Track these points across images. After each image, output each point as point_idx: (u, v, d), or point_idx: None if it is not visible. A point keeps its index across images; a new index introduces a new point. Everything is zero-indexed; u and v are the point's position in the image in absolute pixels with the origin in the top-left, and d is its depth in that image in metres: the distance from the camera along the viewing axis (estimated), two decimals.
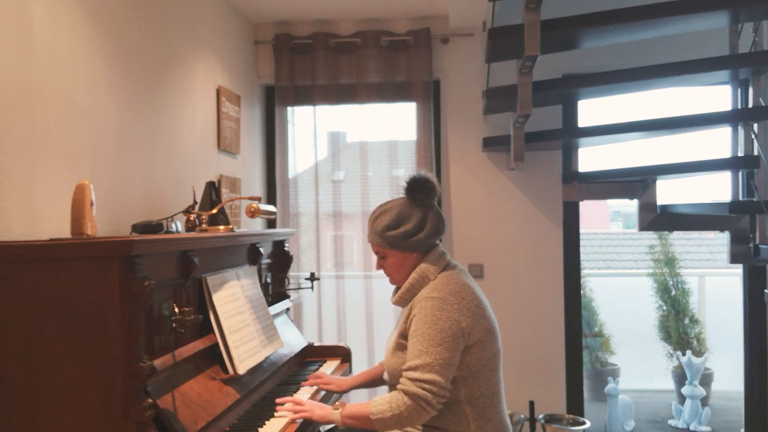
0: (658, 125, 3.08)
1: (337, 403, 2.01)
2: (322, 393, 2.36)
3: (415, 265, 2.03)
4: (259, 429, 1.90)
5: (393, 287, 2.16)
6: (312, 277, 3.06)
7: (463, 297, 1.93)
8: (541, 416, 3.48)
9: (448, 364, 1.85)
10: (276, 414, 2.02)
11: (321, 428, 2.36)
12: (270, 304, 2.62)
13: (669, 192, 3.72)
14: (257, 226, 3.68)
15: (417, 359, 1.85)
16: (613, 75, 2.97)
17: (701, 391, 4.67)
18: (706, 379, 5.08)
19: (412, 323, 1.93)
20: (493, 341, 1.98)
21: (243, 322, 2.15)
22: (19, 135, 1.73)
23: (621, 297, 6.91)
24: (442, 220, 2.07)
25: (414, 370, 1.85)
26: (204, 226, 2.25)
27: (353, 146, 3.92)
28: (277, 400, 2.08)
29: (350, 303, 3.75)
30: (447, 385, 1.85)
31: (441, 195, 3.55)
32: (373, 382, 2.37)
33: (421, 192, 2.02)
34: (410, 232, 2.00)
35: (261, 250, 2.51)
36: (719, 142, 3.64)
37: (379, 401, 1.88)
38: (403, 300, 2.04)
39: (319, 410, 2.00)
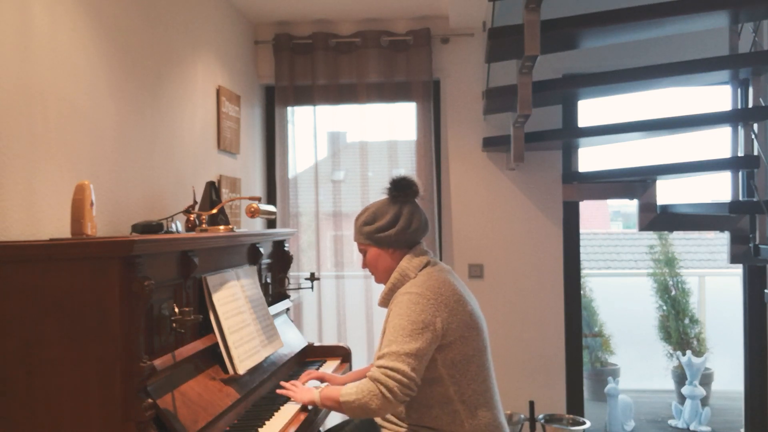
0: (658, 125, 3.08)
1: (320, 385, 2.12)
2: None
3: (393, 264, 2.08)
4: (259, 429, 1.90)
5: None
6: (312, 277, 3.06)
7: (441, 293, 1.95)
8: (541, 416, 3.49)
9: (416, 355, 1.85)
10: (278, 391, 2.16)
11: (321, 428, 2.36)
12: (270, 304, 2.62)
13: (669, 192, 3.72)
14: (257, 226, 3.68)
15: (386, 348, 1.88)
16: (613, 75, 2.97)
17: (701, 391, 4.67)
18: (706, 379, 5.08)
19: (389, 317, 1.96)
20: (477, 337, 1.98)
21: (243, 322, 2.15)
22: (19, 135, 1.73)
23: (621, 297, 6.91)
24: (419, 218, 2.10)
25: (382, 358, 1.87)
26: (204, 226, 2.25)
27: (353, 146, 3.92)
28: (280, 383, 2.22)
29: (350, 303, 3.75)
30: (413, 377, 1.85)
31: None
32: None
33: (397, 189, 2.09)
34: (383, 227, 2.07)
35: (261, 250, 2.51)
36: (719, 142, 3.64)
37: (350, 386, 1.92)
38: (386, 300, 2.08)
39: (302, 393, 2.11)
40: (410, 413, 1.97)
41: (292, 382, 2.21)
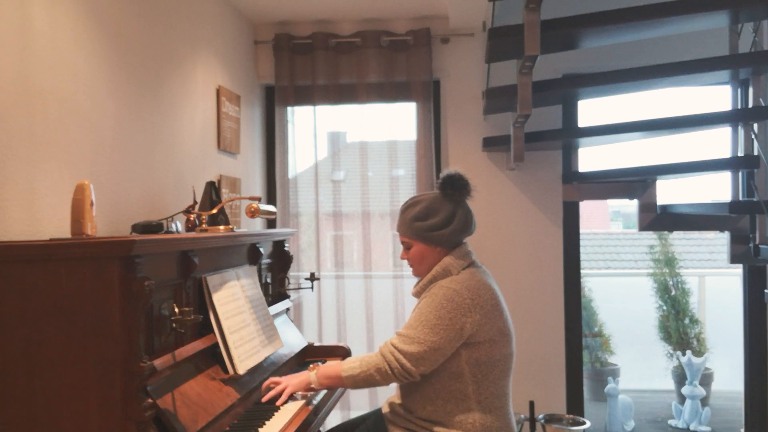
0: (658, 125, 3.08)
1: (311, 365, 2.08)
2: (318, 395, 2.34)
3: (437, 260, 2.06)
4: (259, 429, 1.90)
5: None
6: (312, 277, 3.06)
7: (480, 295, 1.95)
8: (541, 416, 3.48)
9: (430, 348, 1.88)
10: (264, 400, 2.08)
11: (321, 429, 2.36)
12: (270, 304, 2.62)
13: (669, 192, 3.72)
14: (257, 226, 3.68)
15: (404, 329, 1.93)
16: (613, 75, 2.97)
17: (701, 391, 4.67)
18: (706, 379, 5.08)
19: (419, 303, 1.98)
20: (507, 344, 2.00)
21: (243, 322, 2.15)
22: (19, 135, 1.73)
23: (621, 297, 6.91)
24: (471, 219, 2.10)
25: (397, 337, 1.93)
26: (204, 226, 2.25)
27: (353, 146, 3.92)
28: (262, 392, 2.11)
29: (350, 303, 3.75)
30: (418, 364, 1.89)
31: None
32: None
33: (452, 188, 2.06)
34: (437, 225, 2.03)
35: (261, 250, 2.51)
36: (719, 142, 3.64)
37: (352, 359, 1.97)
38: (422, 290, 2.07)
39: (295, 380, 2.08)
40: (425, 405, 1.97)
41: (272, 379, 2.11)
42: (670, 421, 4.80)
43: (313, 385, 2.04)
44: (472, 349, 1.92)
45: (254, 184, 3.72)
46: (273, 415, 2.01)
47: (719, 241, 9.20)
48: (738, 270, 3.93)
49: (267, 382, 2.11)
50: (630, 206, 9.77)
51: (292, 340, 2.70)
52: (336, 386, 2.03)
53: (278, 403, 2.05)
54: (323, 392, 2.34)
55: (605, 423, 4.62)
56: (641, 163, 3.26)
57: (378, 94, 3.72)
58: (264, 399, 2.08)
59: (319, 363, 2.67)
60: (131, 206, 2.30)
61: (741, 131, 3.19)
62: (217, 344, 1.99)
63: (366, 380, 1.94)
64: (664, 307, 5.78)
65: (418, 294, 2.09)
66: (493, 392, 1.95)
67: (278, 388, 2.07)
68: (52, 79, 1.87)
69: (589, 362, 5.66)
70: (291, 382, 2.07)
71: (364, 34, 3.67)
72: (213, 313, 2.00)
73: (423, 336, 1.88)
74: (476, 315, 1.91)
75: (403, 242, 2.13)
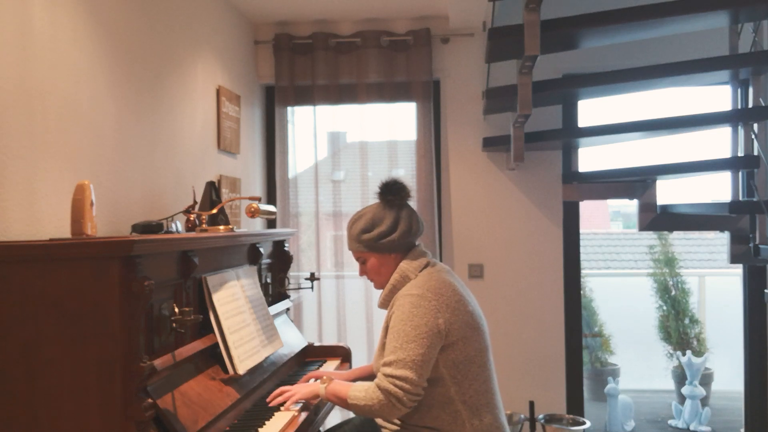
0: (658, 125, 3.08)
1: (324, 377, 2.08)
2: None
3: (394, 267, 2.07)
4: (259, 429, 1.90)
5: None
6: (312, 277, 3.06)
7: (442, 294, 1.95)
8: (541, 416, 3.48)
9: (422, 361, 1.86)
10: (270, 404, 2.08)
11: (321, 429, 2.36)
12: (270, 304, 2.62)
13: (669, 192, 3.72)
14: (257, 226, 3.68)
15: (392, 355, 1.88)
16: (613, 75, 2.98)
17: (701, 391, 4.67)
18: (706, 379, 5.08)
19: (391, 320, 1.96)
20: (478, 337, 1.98)
21: (243, 322, 2.15)
22: (19, 135, 1.73)
23: (621, 297, 6.91)
24: (417, 219, 2.11)
25: (388, 366, 1.88)
26: (204, 226, 2.25)
27: (353, 146, 3.92)
28: (268, 400, 2.12)
29: (350, 303, 3.75)
30: (421, 382, 1.87)
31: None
32: (368, 378, 2.38)
33: (391, 194, 2.08)
34: (384, 233, 2.05)
35: (261, 250, 2.51)
36: (719, 142, 3.64)
37: (358, 388, 1.93)
38: (387, 301, 2.08)
39: (304, 388, 2.09)
40: (411, 413, 1.96)
41: (282, 388, 2.14)
42: (670, 421, 4.79)
43: (320, 398, 2.04)
44: (447, 351, 1.92)
45: (254, 184, 3.72)
46: (273, 415, 2.01)
47: (719, 241, 9.19)
48: (738, 270, 3.93)
49: (277, 391, 2.12)
50: (630, 206, 9.77)
51: (292, 340, 2.70)
52: (341, 406, 2.03)
53: (284, 408, 2.06)
54: None
55: (605, 423, 4.62)
56: (641, 163, 3.26)
57: (378, 94, 3.72)
58: (271, 404, 2.09)
59: (317, 366, 2.69)
60: (131, 206, 2.30)
61: (741, 131, 3.19)
62: (217, 344, 1.99)
63: (370, 413, 1.90)
64: (664, 307, 5.78)
65: (383, 304, 2.10)
66: (477, 390, 1.94)
67: (286, 395, 2.08)
68: (52, 79, 1.87)
69: (589, 362, 5.66)
70: (300, 390, 2.08)
71: (364, 34, 3.67)
72: (213, 313, 2.00)
73: (412, 353, 1.85)
74: (446, 313, 1.92)
75: (357, 258, 2.15)
